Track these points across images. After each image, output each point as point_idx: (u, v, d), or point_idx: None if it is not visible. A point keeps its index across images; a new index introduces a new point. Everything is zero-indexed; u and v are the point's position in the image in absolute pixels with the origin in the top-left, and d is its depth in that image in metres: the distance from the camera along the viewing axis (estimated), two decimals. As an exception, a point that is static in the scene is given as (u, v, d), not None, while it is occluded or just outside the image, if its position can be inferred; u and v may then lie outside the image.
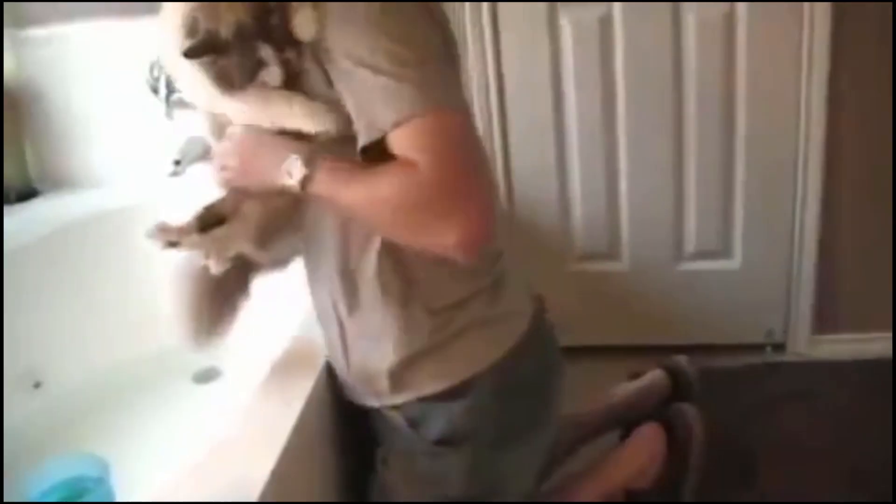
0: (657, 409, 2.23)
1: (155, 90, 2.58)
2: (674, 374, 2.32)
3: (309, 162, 1.40)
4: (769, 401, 2.67)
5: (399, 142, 1.32)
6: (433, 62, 1.35)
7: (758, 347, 2.98)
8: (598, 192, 2.91)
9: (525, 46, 2.76)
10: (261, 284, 2.40)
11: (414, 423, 1.64)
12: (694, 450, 2.12)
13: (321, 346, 1.79)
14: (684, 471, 2.10)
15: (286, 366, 1.80)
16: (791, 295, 2.91)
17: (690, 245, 2.94)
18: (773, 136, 2.75)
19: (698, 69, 2.73)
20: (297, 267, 1.86)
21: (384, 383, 1.62)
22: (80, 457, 2.14)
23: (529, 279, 1.78)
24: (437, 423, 1.62)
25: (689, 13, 2.68)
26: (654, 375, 2.33)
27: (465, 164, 1.34)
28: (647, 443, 2.15)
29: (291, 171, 1.40)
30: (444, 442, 1.63)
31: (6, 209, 2.79)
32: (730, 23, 2.67)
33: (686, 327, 2.99)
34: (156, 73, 2.57)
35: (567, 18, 2.72)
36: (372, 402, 1.68)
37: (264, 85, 1.41)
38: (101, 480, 2.04)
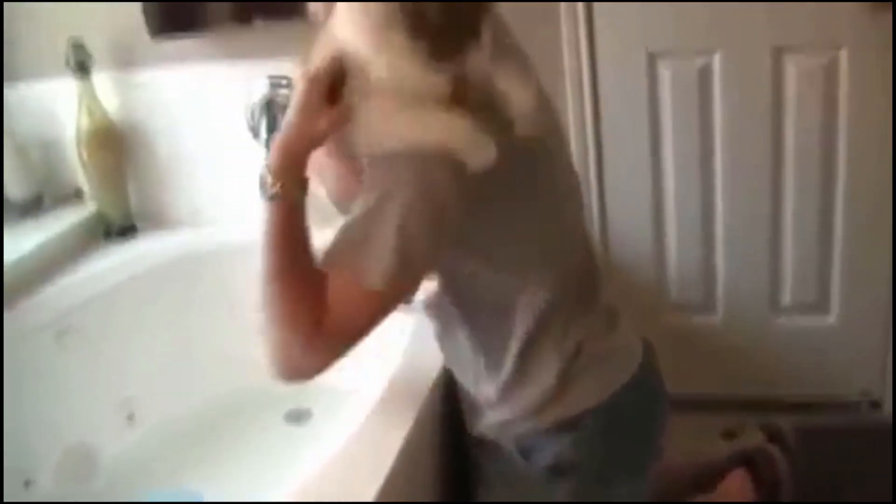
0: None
1: (255, 133, 2.62)
2: (771, 435, 2.29)
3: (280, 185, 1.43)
4: (864, 460, 2.62)
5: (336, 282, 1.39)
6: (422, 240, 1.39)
7: (853, 405, 2.91)
8: (694, 243, 2.87)
9: (624, 95, 2.76)
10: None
11: (524, 451, 1.68)
12: (783, 490, 2.10)
13: (422, 384, 1.83)
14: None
15: (390, 399, 1.83)
16: (890, 352, 2.84)
17: (786, 298, 2.89)
18: (873, 190, 2.70)
19: (798, 120, 2.69)
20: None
21: (507, 421, 1.68)
22: (175, 491, 2.17)
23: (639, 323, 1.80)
24: (547, 452, 1.67)
25: (790, 64, 2.65)
26: (750, 437, 2.30)
27: (350, 337, 1.42)
28: (736, 489, 2.13)
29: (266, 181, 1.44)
30: (551, 471, 1.65)
31: (107, 245, 2.85)
32: (831, 74, 2.63)
33: (780, 381, 2.94)
34: (256, 117, 2.61)
35: (667, 68, 2.72)
36: (487, 434, 1.70)
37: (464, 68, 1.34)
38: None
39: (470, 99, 1.36)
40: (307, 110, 1.41)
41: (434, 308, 1.75)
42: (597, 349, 1.64)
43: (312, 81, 1.41)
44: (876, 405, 2.89)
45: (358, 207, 1.39)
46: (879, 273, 2.76)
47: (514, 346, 1.60)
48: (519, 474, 1.70)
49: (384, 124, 1.39)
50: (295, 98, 1.44)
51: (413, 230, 1.36)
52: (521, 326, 1.59)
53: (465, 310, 1.64)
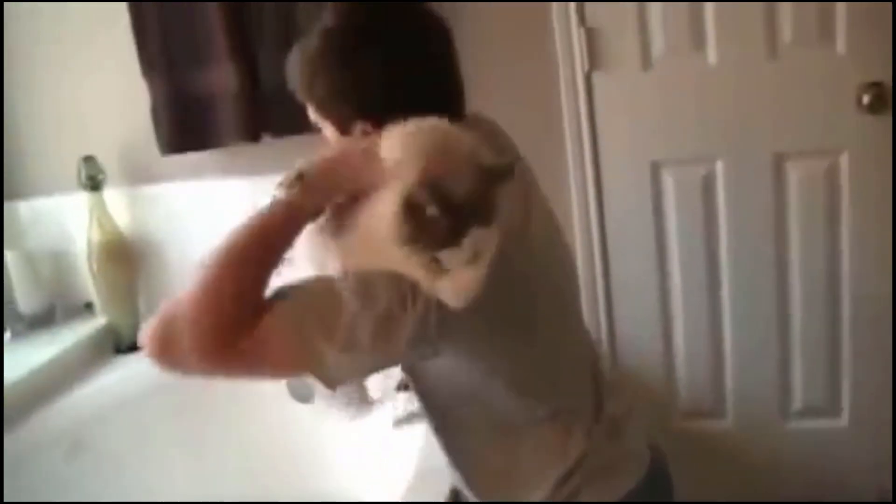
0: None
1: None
2: None
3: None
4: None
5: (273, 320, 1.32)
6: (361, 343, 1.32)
7: (869, 507, 2.89)
8: (702, 349, 2.88)
9: (628, 204, 2.79)
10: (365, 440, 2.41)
11: None
12: None
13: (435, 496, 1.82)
14: None
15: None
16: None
17: (797, 402, 2.88)
18: (879, 291, 2.72)
19: (801, 224, 2.73)
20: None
21: None
22: None
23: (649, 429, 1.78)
24: None
25: (792, 169, 2.69)
26: None
27: (243, 369, 1.36)
28: None
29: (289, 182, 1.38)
30: None
31: (118, 360, 2.86)
32: (833, 178, 2.67)
33: (793, 486, 2.91)
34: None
35: (670, 176, 2.76)
36: None
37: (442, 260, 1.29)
38: None
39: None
40: (369, 159, 1.36)
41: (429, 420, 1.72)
42: (599, 460, 1.61)
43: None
44: (891, 506, 2.87)
45: (330, 273, 1.35)
46: (889, 374, 2.76)
47: (507, 462, 1.59)
48: None
49: (357, 249, 1.36)
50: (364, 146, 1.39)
51: (364, 331, 1.31)
52: (516, 444, 1.57)
53: (455, 420, 1.62)
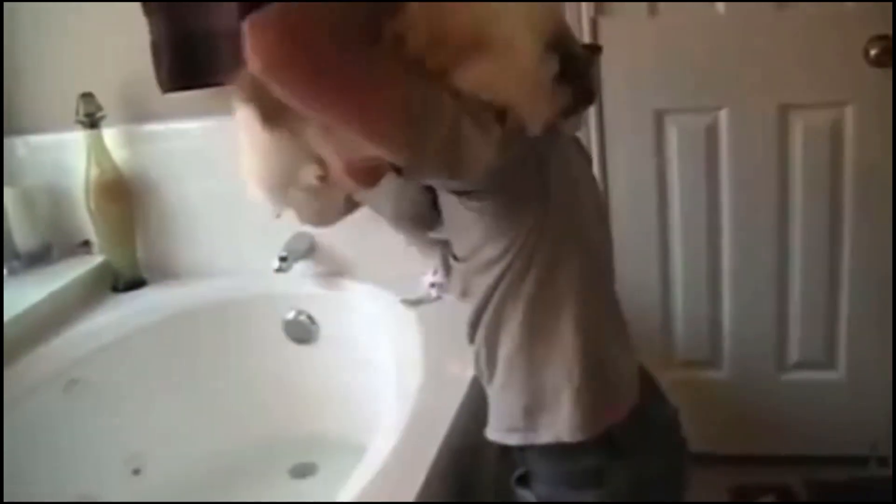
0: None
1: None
2: (784, 497, 2.27)
3: None
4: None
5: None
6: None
7: (861, 460, 2.90)
8: (701, 299, 2.88)
9: (631, 152, 2.78)
10: (362, 382, 2.41)
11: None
12: None
13: (431, 440, 1.82)
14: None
15: (398, 456, 1.82)
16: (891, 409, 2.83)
17: (793, 355, 2.89)
18: (880, 246, 2.70)
19: (804, 177, 2.70)
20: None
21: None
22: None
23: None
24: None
25: (796, 120, 2.67)
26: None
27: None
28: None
29: None
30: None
31: (115, 298, 2.86)
32: (837, 131, 2.65)
33: (787, 437, 2.92)
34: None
35: (673, 125, 2.73)
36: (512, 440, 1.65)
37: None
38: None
39: None
40: None
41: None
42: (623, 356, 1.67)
43: None
44: (883, 462, 2.88)
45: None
46: (886, 328, 2.76)
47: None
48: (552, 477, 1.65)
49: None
50: None
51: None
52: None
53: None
